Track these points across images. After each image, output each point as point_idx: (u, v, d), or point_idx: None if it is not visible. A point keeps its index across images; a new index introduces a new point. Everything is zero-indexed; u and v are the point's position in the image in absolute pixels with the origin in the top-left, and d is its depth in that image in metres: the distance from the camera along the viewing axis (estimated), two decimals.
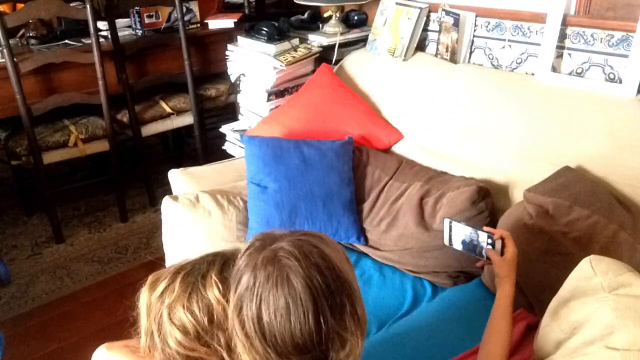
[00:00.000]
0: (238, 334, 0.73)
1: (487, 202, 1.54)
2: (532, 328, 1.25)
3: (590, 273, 0.95)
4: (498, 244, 1.12)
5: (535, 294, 1.32)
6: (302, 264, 0.70)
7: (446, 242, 1.25)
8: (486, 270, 1.48)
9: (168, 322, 0.79)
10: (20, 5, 2.53)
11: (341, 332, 0.71)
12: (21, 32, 2.59)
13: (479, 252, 1.18)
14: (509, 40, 1.84)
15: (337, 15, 2.28)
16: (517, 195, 1.56)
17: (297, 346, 0.70)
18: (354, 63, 2.18)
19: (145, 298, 0.83)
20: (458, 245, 1.23)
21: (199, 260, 0.85)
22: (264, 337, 0.70)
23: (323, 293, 0.69)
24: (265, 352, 0.71)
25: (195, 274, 0.82)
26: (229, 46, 2.30)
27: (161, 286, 0.82)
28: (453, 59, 1.92)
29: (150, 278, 0.85)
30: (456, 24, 1.86)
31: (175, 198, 1.62)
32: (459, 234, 1.21)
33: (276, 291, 0.69)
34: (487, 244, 1.14)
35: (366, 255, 1.70)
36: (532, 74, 1.76)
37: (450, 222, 1.21)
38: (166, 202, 1.62)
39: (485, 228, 1.15)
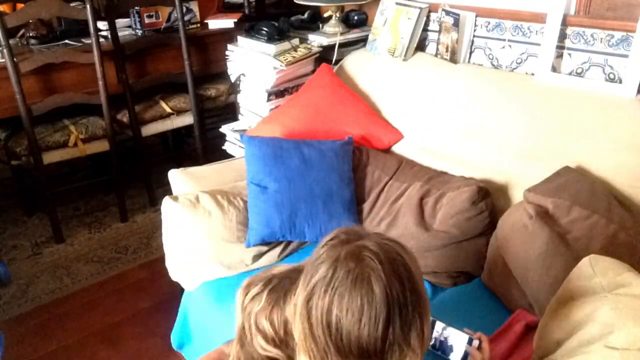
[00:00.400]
0: (301, 319, 0.73)
1: (487, 202, 1.54)
2: (532, 328, 1.25)
3: (590, 273, 0.96)
4: (476, 344, 1.09)
5: (534, 294, 1.32)
6: (386, 269, 0.70)
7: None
8: (486, 270, 1.49)
9: (254, 326, 0.90)
10: (20, 5, 2.53)
11: (403, 346, 0.71)
12: (21, 32, 2.59)
13: (449, 352, 1.13)
14: (509, 40, 1.84)
15: (337, 15, 2.28)
16: (517, 195, 1.56)
17: (359, 347, 0.70)
18: (354, 63, 2.18)
19: (240, 298, 0.93)
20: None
21: (284, 275, 0.92)
22: (329, 330, 0.70)
23: (398, 303, 0.70)
24: (326, 344, 0.71)
25: (279, 290, 0.90)
26: (229, 46, 2.30)
27: (252, 292, 0.92)
28: (453, 59, 1.92)
29: (244, 282, 0.95)
30: (456, 24, 1.86)
31: (175, 198, 1.62)
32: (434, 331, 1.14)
33: (354, 289, 0.69)
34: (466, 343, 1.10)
35: None
36: (532, 74, 1.76)
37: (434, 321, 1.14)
38: (166, 202, 1.62)
39: (466, 330, 1.10)
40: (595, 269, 0.95)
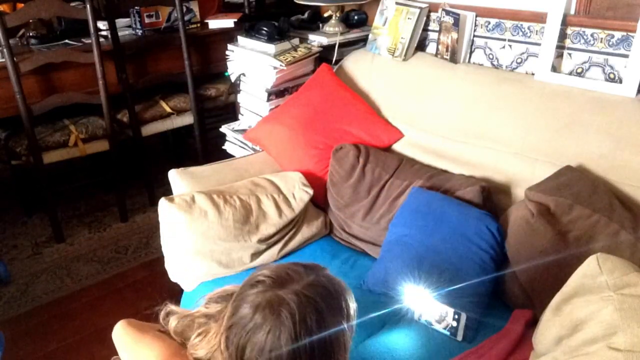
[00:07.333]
0: (222, 346, 0.82)
1: (489, 201, 1.54)
2: (532, 326, 1.25)
3: (596, 270, 0.95)
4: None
5: (536, 292, 1.32)
6: (297, 328, 0.75)
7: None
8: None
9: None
10: (20, 5, 2.54)
11: None
12: (21, 32, 2.59)
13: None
14: (509, 40, 1.84)
15: (337, 15, 2.28)
16: (519, 195, 1.56)
17: None
18: (354, 63, 2.17)
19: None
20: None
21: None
22: None
23: (306, 358, 0.76)
24: None
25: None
26: (229, 46, 2.30)
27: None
28: (453, 59, 1.91)
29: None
30: (456, 23, 1.86)
31: (171, 199, 1.61)
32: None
33: (265, 338, 0.75)
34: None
35: (365, 254, 1.70)
36: (532, 74, 1.76)
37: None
38: (162, 204, 1.61)
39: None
40: (602, 267, 0.94)
